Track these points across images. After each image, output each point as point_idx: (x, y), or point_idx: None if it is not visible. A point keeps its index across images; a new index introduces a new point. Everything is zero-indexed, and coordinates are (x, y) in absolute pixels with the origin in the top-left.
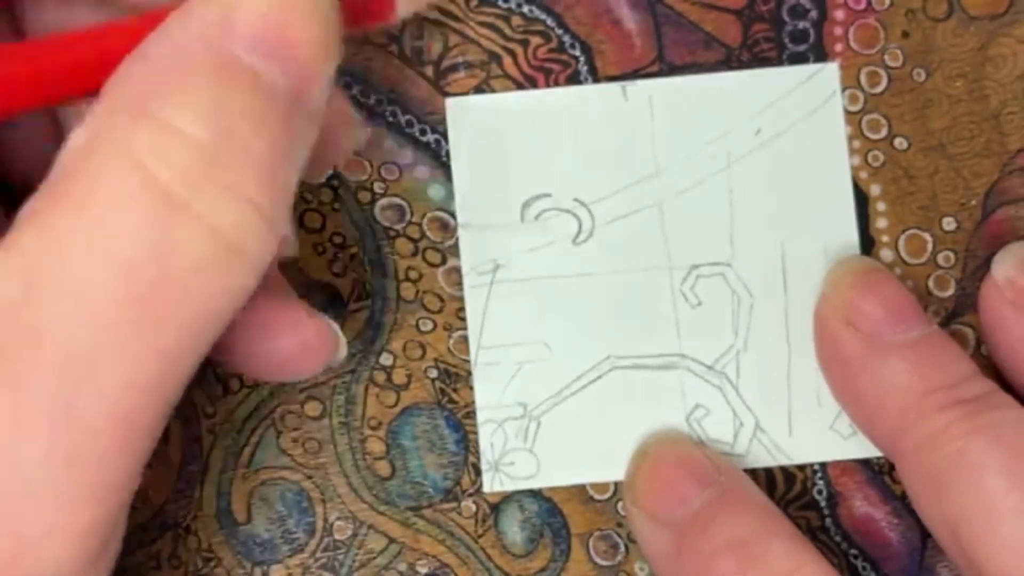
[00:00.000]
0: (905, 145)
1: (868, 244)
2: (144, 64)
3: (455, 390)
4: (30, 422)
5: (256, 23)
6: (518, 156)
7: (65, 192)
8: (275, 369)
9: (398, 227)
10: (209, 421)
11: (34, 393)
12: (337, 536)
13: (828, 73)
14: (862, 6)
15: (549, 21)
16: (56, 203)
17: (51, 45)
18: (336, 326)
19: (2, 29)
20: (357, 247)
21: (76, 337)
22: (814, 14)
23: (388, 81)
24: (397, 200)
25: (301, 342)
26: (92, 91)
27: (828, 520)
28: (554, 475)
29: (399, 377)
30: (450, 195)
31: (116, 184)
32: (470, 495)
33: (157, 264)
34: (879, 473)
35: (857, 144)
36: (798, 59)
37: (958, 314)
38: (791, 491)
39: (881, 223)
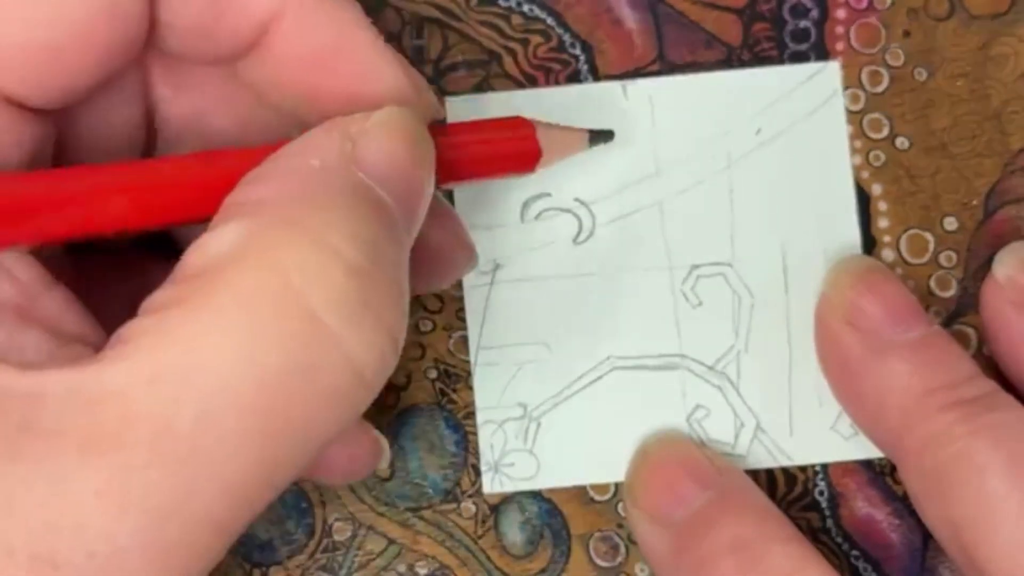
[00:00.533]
0: (907, 145)
1: (870, 244)
2: (282, 180)
3: (455, 390)
4: (135, 512)
5: (380, 157)
6: None
7: (210, 294)
8: (321, 472)
9: None
10: None
11: (144, 483)
12: (336, 537)
13: (829, 72)
14: (863, 5)
15: (549, 20)
16: (199, 303)
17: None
18: (385, 441)
19: (133, 106)
20: None
21: (199, 439)
22: (815, 13)
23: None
24: None
25: (352, 455)
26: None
27: (829, 521)
28: (554, 476)
29: (399, 377)
30: (448, 195)
31: (267, 298)
32: (470, 496)
33: (294, 383)
34: (880, 474)
35: (858, 144)
36: (799, 58)
37: (960, 314)
38: (792, 492)
39: (883, 223)
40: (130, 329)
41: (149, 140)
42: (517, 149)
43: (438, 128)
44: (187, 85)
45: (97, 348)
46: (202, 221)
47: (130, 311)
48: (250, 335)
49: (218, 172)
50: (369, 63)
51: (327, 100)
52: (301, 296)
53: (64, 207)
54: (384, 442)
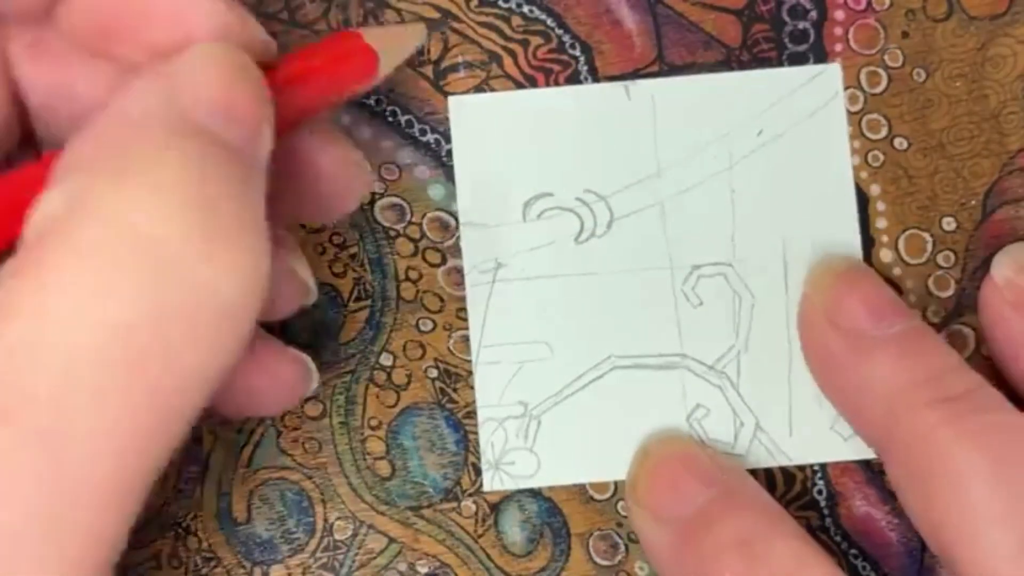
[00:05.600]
0: (905, 145)
1: (868, 244)
2: (106, 132)
3: (455, 390)
4: (9, 489)
5: (208, 93)
6: (521, 154)
7: (48, 255)
8: (248, 406)
9: (398, 227)
10: (209, 421)
11: (14, 458)
12: (337, 536)
13: (831, 74)
14: (862, 6)
15: (549, 21)
16: (39, 267)
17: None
18: (309, 360)
19: None
20: (357, 247)
21: (63, 403)
22: (814, 14)
23: (388, 81)
24: (397, 200)
25: (276, 379)
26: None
27: (828, 520)
28: (554, 474)
29: (399, 377)
30: (450, 195)
31: (107, 246)
32: (470, 495)
33: (153, 327)
34: (879, 473)
35: (857, 144)
36: (798, 59)
37: (958, 314)
38: (791, 491)
39: (881, 223)
40: None
41: (20, 114)
42: (351, 56)
43: (270, 62)
44: (47, 58)
45: None
46: None
47: None
48: (96, 287)
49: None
50: None
51: (148, 40)
52: (143, 237)
53: None
54: (309, 361)
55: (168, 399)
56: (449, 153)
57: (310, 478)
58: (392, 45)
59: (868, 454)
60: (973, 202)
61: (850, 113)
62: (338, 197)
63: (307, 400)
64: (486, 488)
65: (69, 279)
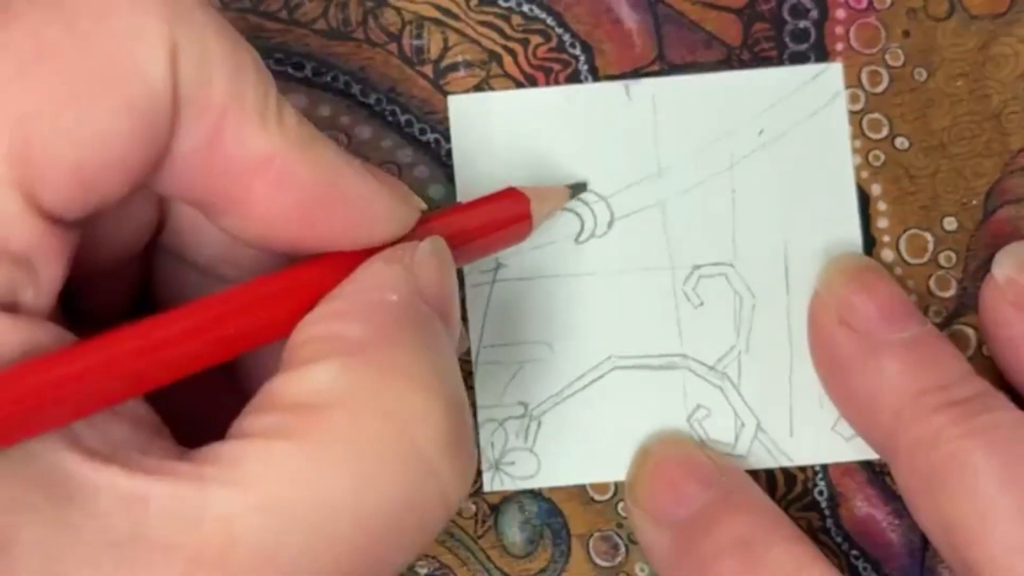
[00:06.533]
0: (906, 145)
1: (869, 244)
2: (363, 317)
3: None
4: None
5: (432, 285)
6: (521, 154)
7: (314, 429)
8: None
9: None
10: None
11: None
12: None
13: (832, 73)
14: (863, 5)
15: (549, 20)
16: (304, 438)
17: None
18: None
19: (148, 200)
20: None
21: (300, 569)
22: (815, 13)
23: (388, 81)
24: None
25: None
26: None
27: (829, 521)
28: (554, 475)
29: None
30: (450, 195)
31: (377, 439)
32: (470, 496)
33: (392, 521)
34: (880, 474)
35: (858, 144)
36: (799, 58)
37: (959, 314)
38: (792, 492)
39: (882, 223)
40: (232, 451)
41: (160, 221)
42: (512, 217)
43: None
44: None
45: (161, 439)
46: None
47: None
48: (358, 477)
49: (292, 297)
50: (361, 201)
51: (327, 236)
52: (410, 439)
53: (153, 360)
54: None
55: None
56: (449, 153)
57: None
58: (539, 205)
59: (869, 455)
60: (974, 202)
61: (851, 113)
62: None
63: None
64: (486, 488)
65: (336, 462)
